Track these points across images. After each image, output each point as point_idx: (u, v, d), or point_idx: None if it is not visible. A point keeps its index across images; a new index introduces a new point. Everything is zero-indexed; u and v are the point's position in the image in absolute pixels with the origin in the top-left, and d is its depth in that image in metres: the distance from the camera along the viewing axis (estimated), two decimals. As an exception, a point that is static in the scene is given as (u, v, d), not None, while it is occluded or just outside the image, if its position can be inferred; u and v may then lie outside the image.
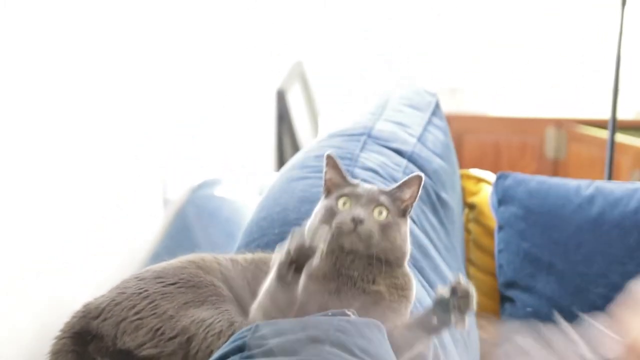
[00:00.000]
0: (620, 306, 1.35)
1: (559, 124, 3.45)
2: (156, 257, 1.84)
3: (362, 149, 1.50)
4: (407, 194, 1.07)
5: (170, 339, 1.00)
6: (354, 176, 1.38)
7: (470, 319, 1.02)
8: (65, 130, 1.54)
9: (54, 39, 1.49)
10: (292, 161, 1.51)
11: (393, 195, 1.07)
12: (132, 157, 1.86)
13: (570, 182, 1.86)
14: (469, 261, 1.89)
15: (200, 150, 2.30)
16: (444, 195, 1.63)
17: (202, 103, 2.34)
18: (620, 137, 3.00)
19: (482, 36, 3.70)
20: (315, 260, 0.96)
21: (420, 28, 3.69)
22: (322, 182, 1.10)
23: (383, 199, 1.05)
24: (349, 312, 0.97)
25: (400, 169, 1.52)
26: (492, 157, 3.49)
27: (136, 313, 1.02)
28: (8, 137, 1.36)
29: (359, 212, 1.03)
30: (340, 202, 1.05)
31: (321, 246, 0.95)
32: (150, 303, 1.02)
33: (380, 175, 1.45)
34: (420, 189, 1.08)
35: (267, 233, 1.27)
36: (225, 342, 0.95)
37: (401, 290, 1.06)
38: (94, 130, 1.66)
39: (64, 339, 1.05)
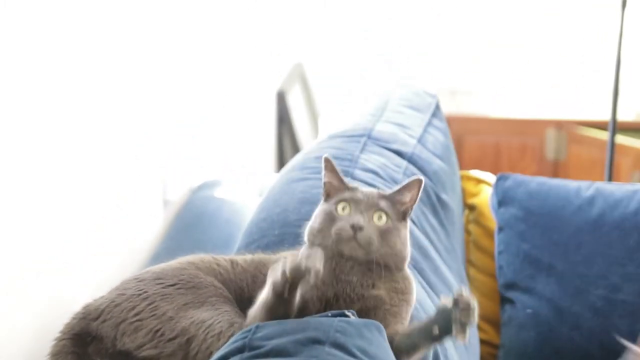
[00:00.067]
0: None
1: (559, 125, 3.45)
2: (156, 257, 1.84)
3: (362, 150, 1.50)
4: (407, 197, 1.07)
5: (170, 340, 1.00)
6: (354, 178, 1.38)
7: (471, 330, 1.02)
8: (66, 131, 1.54)
9: (54, 39, 1.49)
10: (292, 162, 1.51)
11: (393, 198, 1.06)
12: (132, 158, 1.86)
13: (571, 184, 1.86)
14: (469, 262, 1.89)
15: (200, 151, 2.30)
16: (444, 196, 1.63)
17: (203, 104, 2.34)
18: (621, 139, 3.00)
19: (482, 37, 3.70)
20: (311, 280, 0.96)
21: (420, 28, 3.69)
22: (322, 185, 1.10)
23: (382, 203, 1.05)
24: (348, 313, 0.97)
25: (401, 170, 1.52)
26: (492, 159, 3.49)
27: (136, 314, 1.02)
28: (8, 137, 1.36)
29: (358, 218, 1.03)
30: (340, 207, 1.05)
31: (317, 267, 0.94)
32: (149, 304, 1.02)
33: (381, 177, 1.45)
34: (421, 191, 1.07)
35: (267, 234, 1.27)
36: (225, 343, 0.95)
37: (401, 294, 1.06)
38: (94, 130, 1.66)
39: (63, 340, 1.05)
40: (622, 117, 2.90)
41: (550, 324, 1.74)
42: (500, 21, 3.69)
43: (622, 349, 1.70)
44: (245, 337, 0.91)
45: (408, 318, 1.07)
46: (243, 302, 1.08)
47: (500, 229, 1.84)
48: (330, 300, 1.02)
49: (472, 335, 1.51)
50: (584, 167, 3.33)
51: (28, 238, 1.43)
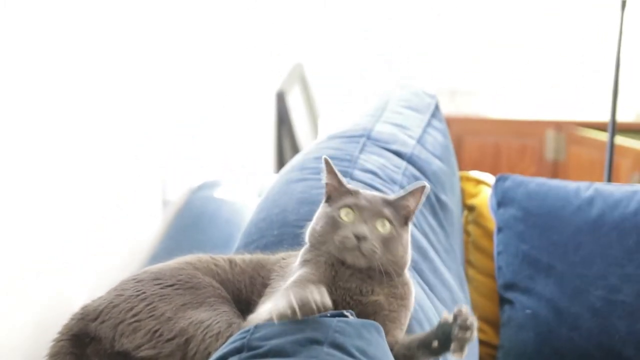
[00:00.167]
0: None
1: (558, 126, 3.45)
2: (155, 257, 1.84)
3: (362, 150, 1.50)
4: (411, 203, 1.07)
5: (168, 340, 1.00)
6: (353, 178, 1.38)
7: (470, 347, 1.02)
8: (66, 131, 1.54)
9: (54, 39, 1.49)
10: (292, 163, 1.51)
11: (396, 204, 1.06)
12: (132, 158, 1.86)
13: (570, 184, 1.86)
14: (468, 263, 1.89)
15: (199, 152, 2.30)
16: (443, 197, 1.63)
17: (202, 104, 2.34)
18: (620, 140, 3.01)
19: (482, 37, 3.70)
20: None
21: (420, 28, 3.69)
22: (323, 186, 1.10)
23: (386, 211, 1.04)
24: (347, 314, 0.97)
25: (400, 170, 1.52)
26: (492, 159, 3.49)
27: (134, 315, 1.02)
28: (8, 137, 1.36)
29: (363, 228, 1.02)
30: (343, 212, 1.04)
31: (328, 304, 0.93)
32: (148, 305, 1.02)
33: (380, 177, 1.45)
34: (424, 197, 1.07)
35: (265, 234, 1.27)
36: (224, 343, 0.95)
37: (400, 299, 1.06)
38: (94, 131, 1.66)
39: (62, 341, 1.05)
40: (621, 118, 2.90)
41: (549, 324, 1.74)
42: (500, 22, 3.69)
43: (621, 350, 1.70)
44: (244, 337, 0.91)
45: (407, 323, 1.07)
46: (241, 302, 1.08)
47: (500, 230, 1.84)
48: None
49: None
50: (583, 168, 3.33)
51: (28, 238, 1.43)
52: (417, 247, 1.39)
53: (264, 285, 1.08)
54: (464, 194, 1.93)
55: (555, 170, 3.42)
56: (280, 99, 3.05)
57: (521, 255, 1.79)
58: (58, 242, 1.52)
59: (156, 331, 1.00)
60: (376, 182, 1.42)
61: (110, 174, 1.74)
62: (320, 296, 0.92)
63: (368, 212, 1.04)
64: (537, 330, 1.74)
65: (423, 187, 1.07)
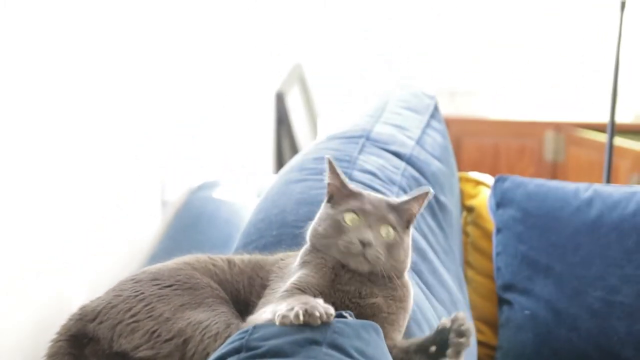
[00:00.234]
0: None
1: (557, 127, 3.45)
2: (154, 258, 1.84)
3: (361, 151, 1.50)
4: (415, 208, 1.07)
5: (167, 340, 1.00)
6: (353, 179, 1.38)
7: (468, 349, 1.03)
8: (65, 131, 1.54)
9: (53, 39, 1.49)
10: (291, 163, 1.51)
11: (400, 208, 1.06)
12: (131, 158, 1.86)
13: (569, 185, 1.86)
14: (467, 264, 1.89)
15: (199, 152, 2.30)
16: (442, 198, 1.63)
17: (201, 105, 2.34)
18: (619, 141, 3.01)
19: (481, 38, 3.70)
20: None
21: (420, 29, 3.69)
22: (325, 186, 1.09)
23: (391, 217, 1.04)
24: (345, 314, 0.97)
25: (399, 171, 1.52)
26: (491, 160, 3.49)
27: (132, 316, 1.02)
28: (8, 137, 1.36)
29: (368, 234, 1.02)
30: (348, 217, 1.04)
31: (331, 313, 0.93)
32: (146, 305, 1.02)
33: (379, 178, 1.45)
34: (426, 202, 1.07)
35: (264, 235, 1.27)
36: (222, 344, 0.95)
37: (399, 302, 1.06)
38: (93, 131, 1.66)
39: (60, 341, 1.05)
40: (620, 119, 2.90)
41: (548, 325, 1.74)
42: (499, 22, 3.69)
43: (620, 351, 1.70)
44: (243, 337, 0.91)
45: (405, 325, 1.07)
46: (239, 302, 1.08)
47: (499, 231, 1.83)
48: None
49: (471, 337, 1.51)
50: (582, 169, 3.33)
51: (27, 238, 1.43)
52: (416, 248, 1.39)
53: (263, 286, 1.08)
54: (463, 194, 1.93)
55: (555, 171, 3.42)
56: (280, 100, 3.05)
57: (520, 256, 1.79)
58: (57, 242, 1.52)
59: (154, 332, 1.00)
60: (375, 182, 1.42)
61: (109, 174, 1.74)
62: (324, 308, 0.92)
63: (373, 217, 1.03)
64: (535, 331, 1.74)
65: (427, 193, 1.07)
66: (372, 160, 1.48)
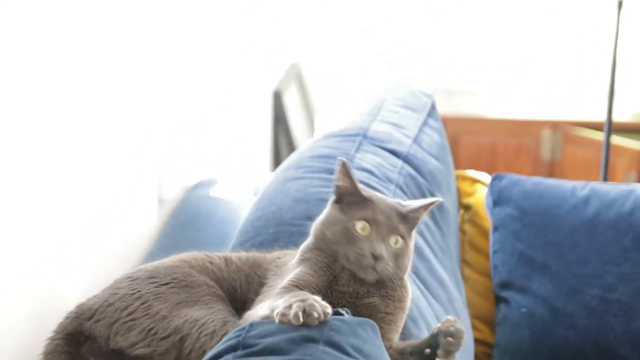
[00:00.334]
0: None
1: (555, 126, 3.45)
2: (151, 256, 1.83)
3: (358, 149, 1.50)
4: (423, 216, 1.07)
5: (163, 338, 1.00)
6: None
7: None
8: (62, 130, 1.54)
9: (52, 38, 1.49)
10: (288, 161, 1.51)
11: (409, 216, 1.06)
12: (128, 157, 1.86)
13: (566, 183, 1.87)
14: (464, 262, 1.90)
15: (196, 151, 2.30)
16: (439, 196, 1.62)
17: (199, 104, 2.34)
18: (616, 139, 3.01)
19: (479, 38, 3.70)
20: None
21: (419, 28, 3.69)
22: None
23: (401, 227, 1.04)
24: (342, 312, 0.97)
25: (396, 169, 1.52)
26: (488, 159, 3.49)
27: (129, 314, 1.02)
28: (7, 137, 1.36)
29: (381, 249, 1.01)
30: (359, 225, 1.03)
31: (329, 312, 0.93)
32: (143, 304, 1.02)
33: (376, 176, 1.45)
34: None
35: (261, 232, 1.27)
36: (219, 341, 0.95)
37: (398, 302, 1.06)
38: (90, 129, 1.66)
39: (56, 340, 1.05)
40: (617, 117, 2.90)
41: (545, 323, 1.74)
42: (496, 22, 3.69)
43: (617, 349, 1.70)
44: (239, 335, 0.91)
45: (402, 325, 1.08)
46: (236, 300, 1.07)
47: (495, 229, 1.84)
48: None
49: (467, 334, 1.51)
50: (579, 168, 3.33)
51: (24, 237, 1.43)
52: (414, 247, 1.39)
53: (261, 284, 1.08)
54: (460, 193, 1.93)
55: (552, 170, 3.43)
56: (277, 98, 3.05)
57: (517, 254, 1.79)
58: (54, 240, 1.52)
59: (151, 329, 1.00)
60: (372, 181, 1.42)
61: (106, 173, 1.74)
62: (322, 307, 0.92)
63: (384, 228, 1.03)
64: (532, 329, 1.74)
65: (436, 202, 1.07)
66: (369, 158, 1.48)
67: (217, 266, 1.10)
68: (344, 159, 1.06)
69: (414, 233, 1.07)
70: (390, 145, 1.57)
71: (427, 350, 1.01)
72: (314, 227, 1.07)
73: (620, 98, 3.04)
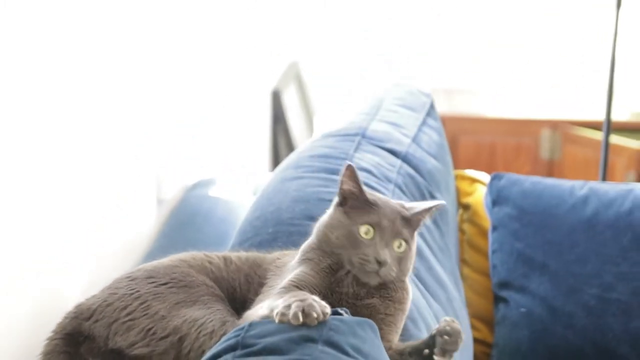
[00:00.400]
0: None
1: (554, 125, 3.46)
2: (150, 256, 1.83)
3: (357, 149, 1.50)
4: (427, 219, 1.07)
5: (162, 338, 1.00)
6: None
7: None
8: (61, 130, 1.54)
9: (52, 38, 1.49)
10: (287, 161, 1.51)
11: (413, 219, 1.06)
12: (127, 157, 1.86)
13: (565, 183, 1.87)
14: (463, 261, 1.90)
15: (195, 150, 2.30)
16: (438, 195, 1.63)
17: (197, 103, 2.34)
18: (615, 139, 3.01)
19: (478, 38, 3.70)
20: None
21: (418, 28, 3.69)
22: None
23: (405, 231, 1.04)
24: (341, 311, 0.97)
25: (395, 169, 1.52)
26: (487, 158, 3.49)
27: (128, 314, 1.02)
28: (7, 138, 1.36)
29: (385, 255, 1.01)
30: (363, 229, 1.03)
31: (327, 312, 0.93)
32: (142, 304, 1.02)
33: (375, 176, 1.45)
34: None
35: (260, 232, 1.27)
36: (218, 341, 0.95)
37: (398, 303, 1.06)
38: (89, 129, 1.66)
39: (55, 340, 1.05)
40: (616, 117, 2.90)
41: (543, 322, 1.74)
42: (495, 22, 3.69)
43: (616, 348, 1.71)
44: (238, 335, 0.91)
45: (401, 327, 1.08)
46: (236, 300, 1.07)
47: (494, 228, 1.84)
48: None
49: (466, 334, 1.51)
50: (578, 167, 3.33)
51: (23, 237, 1.43)
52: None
53: (261, 284, 1.08)
54: (459, 192, 1.93)
55: (551, 169, 3.43)
56: (276, 98, 3.05)
57: (516, 254, 1.80)
58: (53, 241, 1.52)
59: (150, 329, 1.00)
60: (371, 180, 1.42)
61: (105, 173, 1.74)
62: (321, 307, 0.92)
63: (388, 232, 1.03)
64: (531, 329, 1.74)
65: (439, 205, 1.07)
66: (368, 157, 1.48)
67: (216, 266, 1.10)
68: (350, 162, 1.06)
69: (416, 235, 1.07)
70: (389, 145, 1.57)
71: (426, 351, 1.01)
72: (317, 228, 1.07)
73: (619, 97, 3.04)
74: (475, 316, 1.82)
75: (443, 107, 3.36)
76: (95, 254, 1.68)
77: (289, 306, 0.91)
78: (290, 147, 3.02)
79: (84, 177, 1.63)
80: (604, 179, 2.52)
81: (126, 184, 1.87)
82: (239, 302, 1.07)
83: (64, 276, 1.56)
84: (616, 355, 1.71)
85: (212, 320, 1.00)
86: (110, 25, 1.75)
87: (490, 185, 1.86)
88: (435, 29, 3.68)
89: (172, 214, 2.09)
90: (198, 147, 2.33)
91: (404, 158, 1.57)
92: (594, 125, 3.24)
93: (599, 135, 2.99)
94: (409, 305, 1.08)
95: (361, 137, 1.54)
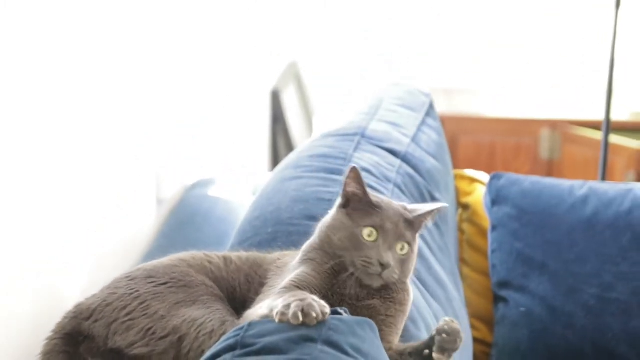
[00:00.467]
0: None
1: (553, 125, 3.46)
2: (150, 256, 1.83)
3: (356, 149, 1.50)
4: (430, 221, 1.08)
5: (162, 338, 1.00)
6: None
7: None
8: (62, 131, 1.54)
9: (52, 38, 1.49)
10: (286, 161, 1.51)
11: (416, 222, 1.06)
12: (127, 156, 1.86)
13: (564, 183, 1.87)
14: (462, 261, 1.90)
15: (194, 150, 2.30)
16: (437, 195, 1.63)
17: (197, 103, 2.34)
18: (614, 138, 3.01)
19: (477, 37, 3.70)
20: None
21: (418, 28, 3.69)
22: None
23: (408, 234, 1.04)
24: (341, 311, 0.97)
25: (394, 169, 1.52)
26: (487, 158, 3.49)
27: (127, 314, 1.02)
28: (7, 138, 1.36)
29: (388, 257, 1.02)
30: (366, 232, 1.03)
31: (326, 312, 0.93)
32: (141, 303, 1.02)
33: (374, 175, 1.45)
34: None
35: (260, 232, 1.27)
36: (217, 341, 0.95)
37: (399, 305, 1.06)
38: (89, 129, 1.66)
39: (55, 339, 1.05)
40: (615, 117, 2.90)
41: (543, 322, 1.74)
42: (495, 22, 3.70)
43: (615, 348, 1.71)
44: (238, 334, 0.91)
45: (402, 328, 1.08)
46: (236, 300, 1.07)
47: (494, 228, 1.84)
48: None
49: (465, 334, 1.51)
50: (578, 167, 3.33)
51: (23, 236, 1.43)
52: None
53: (261, 284, 1.08)
54: (458, 192, 1.93)
55: (550, 169, 3.43)
56: (275, 98, 3.05)
57: (515, 254, 1.80)
58: (52, 240, 1.52)
59: (149, 329, 1.00)
60: (370, 180, 1.42)
61: (105, 172, 1.74)
62: (320, 307, 0.92)
63: (392, 235, 1.03)
64: (531, 328, 1.74)
65: (442, 208, 1.08)
66: (367, 157, 1.48)
67: (216, 266, 1.10)
68: (355, 165, 1.06)
69: (417, 236, 1.08)
70: (388, 145, 1.57)
71: (426, 352, 1.02)
72: (319, 230, 1.07)
73: (619, 97, 3.04)
74: (475, 316, 1.82)
75: (442, 107, 3.36)
76: (95, 254, 1.68)
77: (288, 306, 0.91)
78: (290, 147, 3.02)
79: (83, 176, 1.63)
80: (604, 178, 2.52)
81: (126, 184, 1.87)
82: (238, 302, 1.07)
83: (63, 276, 1.56)
84: (615, 355, 1.71)
85: (211, 320, 1.00)
86: (110, 25, 1.75)
87: (490, 185, 1.86)
88: (435, 29, 3.68)
89: (171, 214, 2.09)
90: (197, 147, 2.33)
91: (404, 158, 1.57)
92: (594, 125, 3.24)
93: (598, 135, 2.99)
94: (409, 307, 1.08)
95: (360, 136, 1.54)
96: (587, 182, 1.85)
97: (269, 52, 3.07)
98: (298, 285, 1.01)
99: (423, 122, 1.77)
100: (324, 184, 1.34)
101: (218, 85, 2.52)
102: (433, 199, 1.60)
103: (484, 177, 1.96)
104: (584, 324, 1.72)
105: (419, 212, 1.06)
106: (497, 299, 1.81)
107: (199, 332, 0.99)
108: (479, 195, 1.92)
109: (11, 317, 1.40)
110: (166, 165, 2.09)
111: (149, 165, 2.00)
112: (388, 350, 1.02)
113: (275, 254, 1.14)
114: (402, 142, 1.61)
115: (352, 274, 1.02)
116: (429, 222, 1.08)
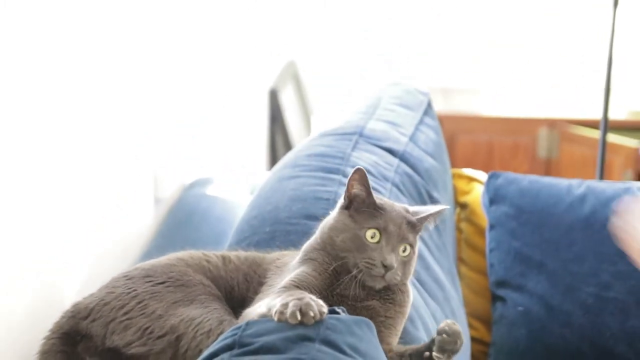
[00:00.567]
0: None
1: (551, 124, 3.46)
2: (148, 255, 1.83)
3: (354, 148, 1.50)
4: (431, 224, 1.08)
5: (159, 337, 1.00)
6: (346, 175, 1.38)
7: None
8: (62, 131, 1.54)
9: (52, 38, 1.49)
10: (284, 160, 1.51)
11: (418, 224, 1.06)
12: (125, 156, 1.86)
13: (562, 182, 1.87)
14: (460, 260, 1.90)
15: (192, 150, 2.30)
16: (435, 194, 1.63)
17: (195, 102, 2.34)
18: (612, 137, 3.01)
19: (476, 37, 3.70)
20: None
21: (417, 27, 3.69)
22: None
23: (410, 236, 1.04)
24: (338, 310, 0.97)
25: (392, 168, 1.52)
26: (485, 157, 3.49)
27: (125, 313, 1.02)
28: (6, 137, 1.36)
29: (391, 259, 1.02)
30: (369, 234, 1.03)
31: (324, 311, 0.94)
32: (139, 303, 1.02)
33: (372, 174, 1.45)
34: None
35: (257, 231, 1.27)
36: (215, 340, 0.95)
37: (399, 306, 1.06)
38: (87, 129, 1.65)
39: (52, 339, 1.05)
40: (613, 115, 2.90)
41: (541, 321, 1.74)
42: (493, 21, 3.70)
43: (613, 347, 1.71)
44: (235, 334, 0.91)
45: (401, 329, 1.08)
46: (234, 299, 1.07)
47: (492, 227, 1.84)
48: None
49: (464, 333, 1.51)
50: (576, 166, 3.33)
51: (22, 235, 1.43)
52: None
53: (260, 283, 1.08)
54: (456, 191, 1.93)
55: (548, 168, 3.43)
56: (273, 97, 3.05)
57: (513, 253, 1.80)
58: (51, 240, 1.52)
59: (147, 328, 1.00)
60: (369, 179, 1.42)
61: (103, 172, 1.74)
62: (318, 306, 0.92)
63: (394, 237, 1.03)
64: (529, 327, 1.75)
65: (444, 210, 1.08)
66: (365, 156, 1.48)
67: (214, 265, 1.10)
68: (361, 167, 1.06)
69: (418, 237, 1.08)
70: (386, 144, 1.57)
71: (427, 354, 1.02)
72: (321, 230, 1.07)
73: (616, 96, 3.04)
74: (473, 315, 1.82)
75: (440, 106, 3.37)
76: (93, 253, 1.68)
77: (286, 305, 0.91)
78: (288, 146, 3.02)
79: (82, 176, 1.63)
80: (602, 177, 2.52)
81: (124, 183, 1.87)
82: (237, 301, 1.07)
83: (61, 275, 1.56)
84: (613, 354, 1.71)
85: (209, 320, 1.00)
86: (109, 25, 1.75)
87: (488, 184, 1.86)
88: (434, 28, 3.68)
89: (169, 213, 2.09)
90: (196, 146, 2.33)
91: (402, 157, 1.57)
92: (592, 124, 3.24)
93: (596, 134, 2.99)
94: (409, 308, 1.09)
95: (358, 136, 1.54)
96: (585, 181, 1.85)
97: (267, 51, 3.07)
98: (298, 284, 1.01)
99: (421, 121, 1.77)
100: (322, 183, 1.34)
101: (216, 84, 2.52)
102: (431, 198, 1.61)
103: (482, 176, 1.96)
104: (582, 322, 1.73)
105: (422, 215, 1.06)
106: (495, 298, 1.81)
107: (196, 332, 0.99)
108: (476, 194, 1.92)
109: (10, 316, 1.40)
110: (164, 165, 2.09)
111: (148, 164, 2.00)
112: (388, 352, 1.02)
113: (275, 254, 1.14)
114: (400, 141, 1.61)
115: (355, 275, 1.02)
116: (431, 225, 1.08)
